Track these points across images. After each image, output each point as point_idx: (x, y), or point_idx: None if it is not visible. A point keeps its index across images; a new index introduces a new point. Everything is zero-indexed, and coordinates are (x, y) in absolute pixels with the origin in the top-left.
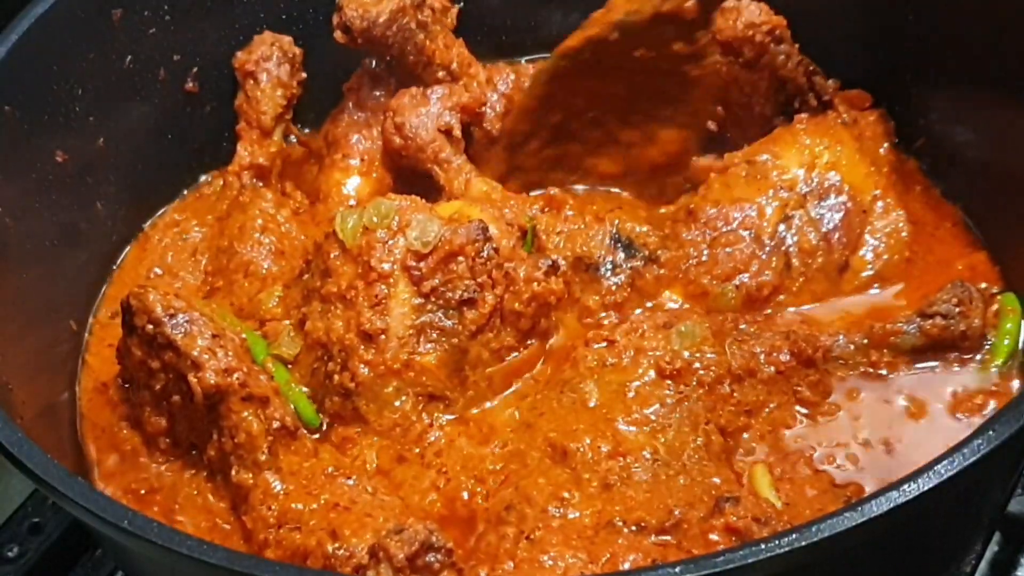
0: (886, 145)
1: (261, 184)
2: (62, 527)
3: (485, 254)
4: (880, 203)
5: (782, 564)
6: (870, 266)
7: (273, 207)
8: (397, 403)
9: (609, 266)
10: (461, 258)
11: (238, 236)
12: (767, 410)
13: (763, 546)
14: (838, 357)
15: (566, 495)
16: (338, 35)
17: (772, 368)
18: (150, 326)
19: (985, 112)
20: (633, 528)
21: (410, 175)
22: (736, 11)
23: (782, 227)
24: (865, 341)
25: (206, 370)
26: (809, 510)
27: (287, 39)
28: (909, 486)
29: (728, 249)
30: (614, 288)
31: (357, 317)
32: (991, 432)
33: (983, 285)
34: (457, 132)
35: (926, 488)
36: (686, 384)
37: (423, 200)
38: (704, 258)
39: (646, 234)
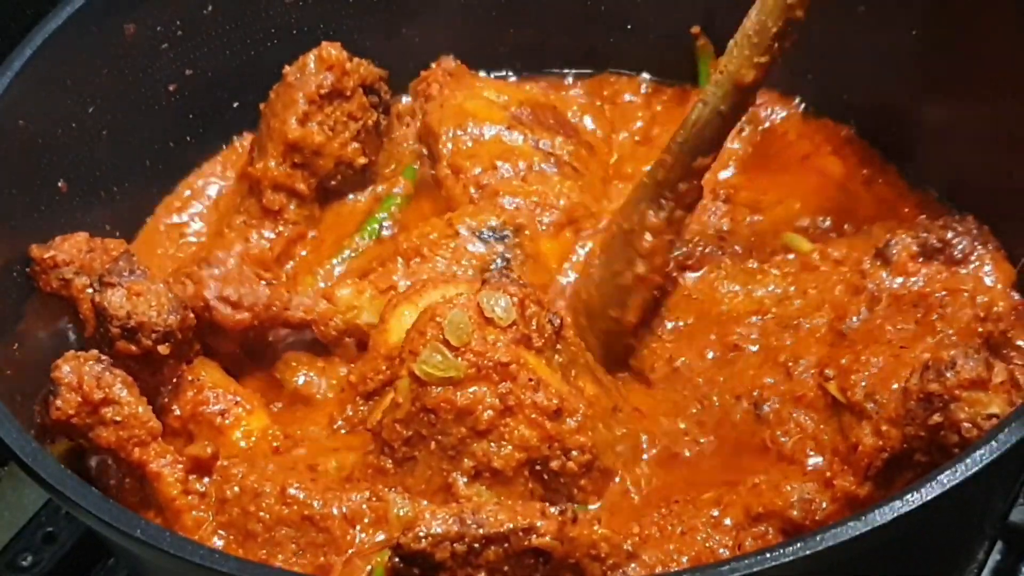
0: None
1: None
2: (75, 536)
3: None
4: None
5: (785, 572)
6: None
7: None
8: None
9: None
10: (530, 303)
11: None
12: None
13: (767, 555)
14: None
15: None
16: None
17: None
18: None
19: None
20: None
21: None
22: None
23: None
24: None
25: None
26: None
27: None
28: (912, 496)
29: None
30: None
31: (533, 408)
32: (993, 443)
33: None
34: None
35: (929, 498)
36: None
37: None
38: None
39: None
